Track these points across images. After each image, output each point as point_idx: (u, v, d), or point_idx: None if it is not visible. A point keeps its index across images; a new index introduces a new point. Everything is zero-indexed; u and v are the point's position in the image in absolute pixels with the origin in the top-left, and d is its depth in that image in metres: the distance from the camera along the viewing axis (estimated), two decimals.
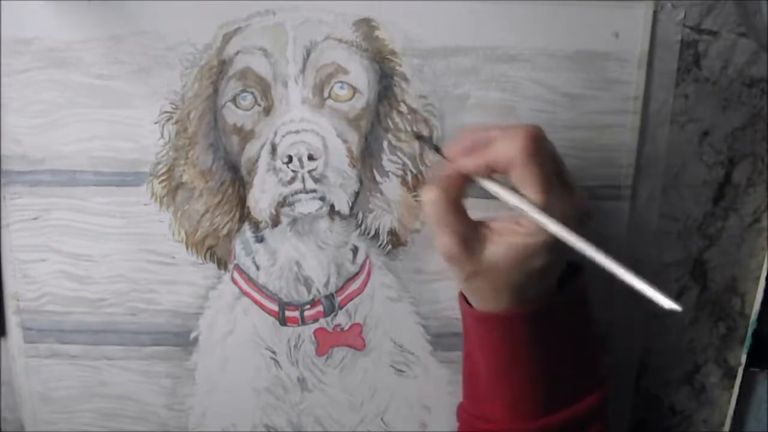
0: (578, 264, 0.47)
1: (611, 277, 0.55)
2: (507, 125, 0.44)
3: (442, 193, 0.43)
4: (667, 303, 0.37)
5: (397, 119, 0.51)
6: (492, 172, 0.43)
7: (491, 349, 0.46)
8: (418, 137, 0.51)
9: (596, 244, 0.40)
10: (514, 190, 0.42)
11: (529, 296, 0.44)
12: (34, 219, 0.54)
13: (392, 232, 0.54)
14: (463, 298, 0.48)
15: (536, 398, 0.46)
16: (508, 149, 0.41)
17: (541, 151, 0.41)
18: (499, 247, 0.43)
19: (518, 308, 0.44)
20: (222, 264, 0.54)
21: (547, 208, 0.41)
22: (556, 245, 0.41)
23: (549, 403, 0.46)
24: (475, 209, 0.45)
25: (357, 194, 0.52)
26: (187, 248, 0.54)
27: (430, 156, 0.52)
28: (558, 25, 0.49)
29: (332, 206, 0.52)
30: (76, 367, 0.57)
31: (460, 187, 0.44)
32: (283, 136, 0.50)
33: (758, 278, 0.56)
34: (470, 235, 0.43)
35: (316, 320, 0.55)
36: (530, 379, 0.46)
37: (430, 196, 0.43)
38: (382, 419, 0.58)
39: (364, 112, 0.51)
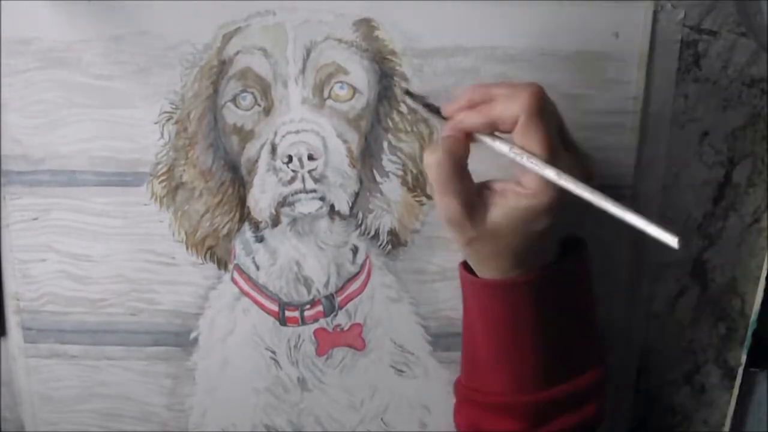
0: (579, 238, 0.47)
1: (612, 278, 0.55)
2: (507, 83, 0.43)
3: (446, 154, 0.41)
4: (671, 240, 0.37)
5: (397, 119, 0.51)
6: (494, 130, 0.42)
7: (493, 318, 0.45)
8: (408, 94, 0.49)
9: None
10: (507, 143, 0.42)
11: (530, 262, 0.44)
12: (34, 219, 0.54)
13: (392, 232, 0.54)
14: (464, 266, 0.47)
15: (537, 371, 0.46)
16: (512, 107, 0.40)
17: (545, 110, 0.41)
18: (501, 210, 0.42)
19: (521, 275, 0.44)
20: (222, 264, 0.54)
21: (553, 165, 0.40)
22: (557, 207, 0.41)
23: (549, 377, 0.46)
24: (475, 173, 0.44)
25: (357, 194, 0.52)
26: (187, 248, 0.54)
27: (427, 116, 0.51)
28: (558, 25, 0.49)
29: (332, 206, 0.52)
30: (76, 367, 0.57)
31: (464, 147, 0.43)
32: (283, 136, 0.50)
33: (758, 278, 0.56)
34: (473, 199, 0.42)
35: (316, 320, 0.55)
36: (531, 351, 0.45)
37: (433, 158, 0.42)
38: (382, 419, 0.58)
39: (364, 112, 0.51)
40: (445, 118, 0.45)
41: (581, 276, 0.47)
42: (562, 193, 0.40)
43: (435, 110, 0.46)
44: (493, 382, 0.47)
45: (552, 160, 0.40)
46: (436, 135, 0.52)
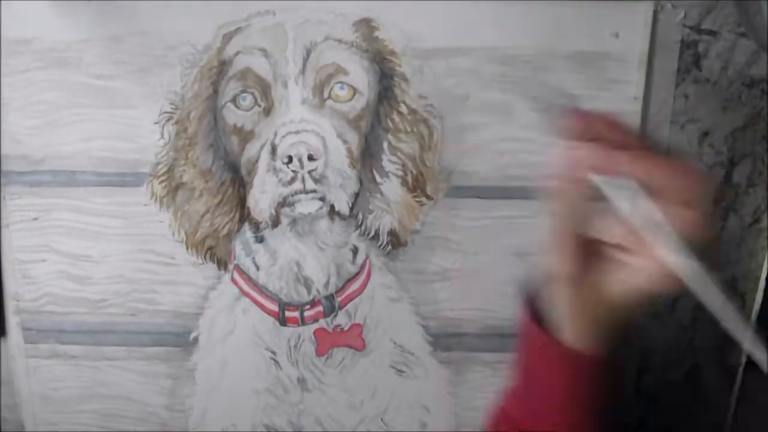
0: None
1: None
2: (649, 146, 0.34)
3: (568, 204, 0.33)
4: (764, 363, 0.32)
5: (397, 119, 0.51)
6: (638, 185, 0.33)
7: (574, 390, 0.38)
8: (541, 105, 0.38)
9: None
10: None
11: (609, 335, 0.37)
12: (34, 219, 0.54)
13: (392, 233, 0.54)
14: (536, 323, 0.38)
15: None
16: (685, 184, 0.32)
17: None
18: (611, 283, 0.35)
19: (599, 348, 0.37)
20: (222, 264, 0.54)
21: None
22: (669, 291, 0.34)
23: None
24: None
25: (357, 195, 0.52)
26: (187, 248, 0.54)
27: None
28: (558, 25, 0.49)
29: (332, 206, 0.52)
30: (76, 367, 0.57)
31: (587, 193, 0.34)
32: (283, 137, 0.50)
33: (758, 278, 0.56)
34: (590, 262, 0.35)
35: (316, 320, 0.55)
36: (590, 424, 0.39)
37: (556, 208, 0.33)
38: (382, 419, 0.58)
39: (364, 112, 0.51)
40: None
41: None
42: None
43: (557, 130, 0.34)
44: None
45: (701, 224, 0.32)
46: (436, 135, 0.51)
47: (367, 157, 0.52)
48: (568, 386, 0.38)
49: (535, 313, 0.38)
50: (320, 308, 0.55)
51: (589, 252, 0.35)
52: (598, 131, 0.33)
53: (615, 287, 0.35)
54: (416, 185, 0.52)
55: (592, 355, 0.37)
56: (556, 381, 0.38)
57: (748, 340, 0.33)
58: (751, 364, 0.57)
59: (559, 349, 0.37)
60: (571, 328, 0.37)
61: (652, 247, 0.32)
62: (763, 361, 0.32)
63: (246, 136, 0.51)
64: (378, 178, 0.52)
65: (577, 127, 0.33)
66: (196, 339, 0.56)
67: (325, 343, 0.56)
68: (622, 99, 0.51)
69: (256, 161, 0.51)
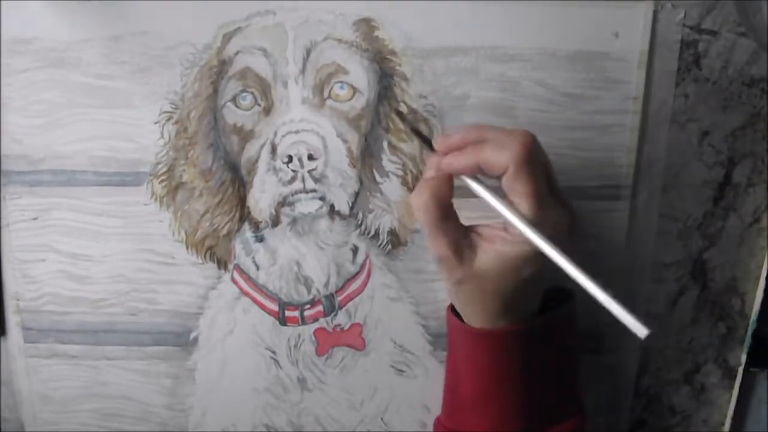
0: (567, 289, 0.47)
1: (612, 278, 0.55)
2: (501, 128, 0.43)
3: (433, 195, 0.42)
4: (640, 330, 0.37)
5: (397, 119, 0.51)
6: (481, 173, 0.42)
7: (477, 364, 0.46)
8: (399, 114, 0.50)
9: (591, 251, 0.39)
10: (501, 195, 0.42)
11: (516, 310, 0.44)
12: (34, 219, 0.54)
13: (392, 232, 0.54)
14: (452, 311, 0.48)
15: (517, 417, 0.46)
16: (501, 155, 0.40)
17: (535, 161, 0.41)
18: (488, 254, 0.42)
19: (507, 325, 0.44)
20: (222, 264, 0.54)
21: (536, 220, 0.40)
22: (543, 256, 0.40)
23: (529, 424, 0.46)
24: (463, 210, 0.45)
25: (357, 194, 0.52)
26: (187, 248, 0.54)
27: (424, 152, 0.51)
28: (558, 25, 0.49)
29: (332, 206, 0.52)
30: (76, 367, 0.57)
31: (450, 187, 0.43)
32: (283, 136, 0.50)
33: (758, 278, 0.56)
34: (461, 240, 0.43)
35: (316, 320, 0.55)
36: (513, 398, 0.46)
37: (421, 199, 0.42)
38: (382, 419, 0.58)
39: (364, 112, 0.51)
40: (433, 150, 0.45)
41: (566, 329, 0.48)
42: (553, 240, 0.40)
43: (426, 141, 0.47)
44: (473, 424, 0.47)
45: (537, 211, 0.40)
46: (437, 135, 0.52)
47: (367, 156, 0.52)
48: (469, 359, 0.46)
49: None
50: (320, 308, 0.55)
51: (461, 234, 0.43)
52: (465, 140, 0.43)
53: (489, 261, 0.42)
54: (416, 185, 0.52)
55: (494, 330, 0.44)
56: (462, 355, 0.47)
57: (616, 310, 0.37)
58: (752, 364, 0.57)
59: (464, 327, 0.46)
60: (460, 303, 0.45)
61: (506, 225, 0.41)
62: (640, 330, 0.37)
63: (246, 135, 0.51)
64: (378, 178, 0.52)
65: (442, 144, 0.44)
66: (196, 339, 0.56)
67: (325, 343, 0.56)
68: (622, 99, 0.51)
69: (256, 161, 0.51)
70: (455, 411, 0.49)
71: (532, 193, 0.40)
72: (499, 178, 0.41)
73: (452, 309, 0.48)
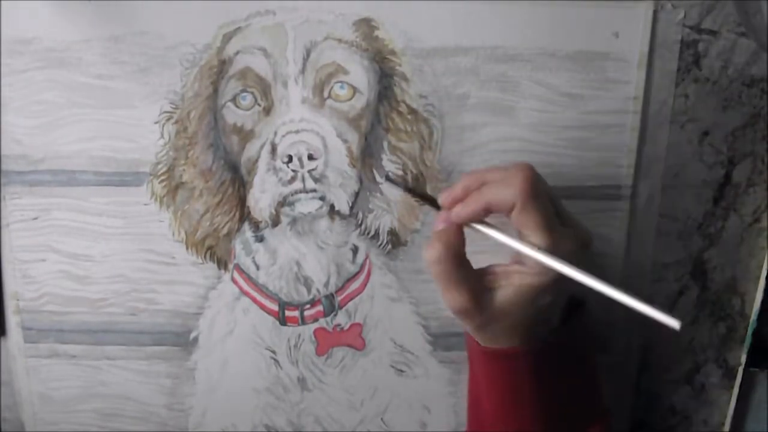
0: (579, 298, 0.47)
1: (612, 277, 0.55)
2: (499, 168, 0.44)
3: (445, 249, 0.42)
4: (671, 321, 0.37)
5: (397, 119, 0.51)
6: (488, 214, 0.43)
7: (496, 383, 0.46)
8: (389, 179, 0.51)
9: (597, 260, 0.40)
10: (510, 230, 0.42)
11: (537, 333, 0.44)
12: (34, 219, 0.54)
13: (392, 232, 0.54)
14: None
15: (542, 428, 0.46)
16: (506, 193, 0.41)
17: (539, 193, 0.41)
18: (507, 291, 0.42)
19: (524, 345, 0.44)
20: (222, 264, 0.54)
21: (551, 247, 0.41)
22: (561, 281, 0.41)
23: None
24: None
25: (357, 194, 0.52)
26: (187, 248, 0.54)
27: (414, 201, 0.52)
28: (558, 25, 0.49)
29: (332, 206, 0.52)
30: (76, 367, 0.57)
31: (460, 237, 0.43)
32: (283, 136, 0.50)
33: (758, 278, 0.56)
34: (478, 286, 0.42)
35: (316, 320, 0.55)
36: (536, 410, 0.46)
37: (433, 254, 0.42)
38: (382, 419, 0.58)
39: (364, 112, 0.51)
40: (438, 208, 0.45)
41: (583, 337, 0.48)
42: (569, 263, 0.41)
43: (431, 201, 0.46)
44: None
45: (550, 238, 0.41)
46: (437, 135, 0.52)
47: (367, 156, 0.52)
48: (489, 379, 0.46)
49: None
50: (320, 308, 0.55)
51: (477, 280, 0.43)
52: (467, 188, 0.43)
53: (509, 298, 0.42)
54: (416, 185, 0.52)
55: (509, 351, 0.44)
56: (480, 374, 0.47)
57: (644, 309, 0.38)
58: (752, 364, 0.57)
59: (479, 347, 0.45)
60: (483, 340, 0.45)
61: (529, 258, 0.41)
62: (675, 324, 0.37)
63: (246, 135, 0.51)
64: (378, 178, 0.52)
65: (446, 199, 0.44)
66: (196, 339, 0.56)
67: (325, 343, 0.56)
68: (622, 99, 0.51)
69: (256, 161, 0.51)
70: (479, 425, 0.49)
71: (542, 223, 0.41)
72: (507, 214, 0.42)
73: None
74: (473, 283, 0.42)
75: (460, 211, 0.43)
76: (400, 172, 0.52)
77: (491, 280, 0.43)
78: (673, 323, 0.37)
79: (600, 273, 0.40)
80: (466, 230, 0.44)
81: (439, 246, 0.42)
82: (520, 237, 0.42)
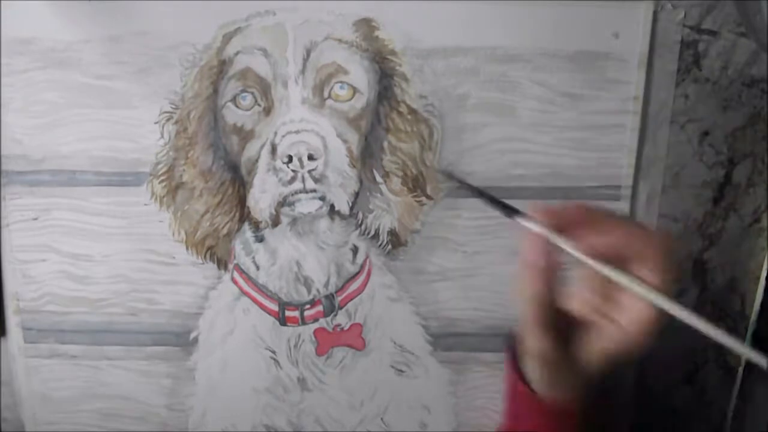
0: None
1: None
2: (637, 225, 0.39)
3: (542, 286, 0.36)
4: (761, 360, 0.35)
5: (397, 119, 0.51)
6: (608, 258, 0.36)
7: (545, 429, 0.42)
8: (486, 196, 0.43)
9: None
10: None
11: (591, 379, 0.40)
12: (34, 219, 0.54)
13: (392, 232, 0.54)
14: (517, 374, 0.42)
15: None
16: (646, 250, 0.35)
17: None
18: (590, 349, 0.38)
19: (574, 396, 0.40)
20: (222, 264, 0.54)
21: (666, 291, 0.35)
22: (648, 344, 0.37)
23: None
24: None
25: (357, 194, 0.52)
26: (187, 248, 0.54)
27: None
28: (558, 25, 0.49)
29: (332, 206, 0.52)
30: (76, 367, 0.57)
31: (558, 274, 0.36)
32: (283, 136, 0.50)
33: (758, 278, 0.56)
34: (566, 337, 0.38)
35: (316, 320, 0.55)
36: None
37: (529, 290, 0.36)
38: (382, 419, 0.58)
39: (364, 112, 0.51)
40: (509, 216, 0.38)
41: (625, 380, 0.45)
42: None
43: (509, 209, 0.39)
44: None
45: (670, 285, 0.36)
46: (437, 135, 0.52)
47: (367, 156, 0.52)
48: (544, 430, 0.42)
49: (518, 361, 0.42)
50: (320, 308, 0.55)
51: (561, 324, 0.37)
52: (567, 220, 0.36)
53: (586, 352, 0.38)
54: (416, 185, 0.53)
55: (565, 406, 0.40)
56: (534, 425, 0.42)
57: (743, 349, 0.36)
58: (752, 364, 0.57)
59: (536, 399, 0.41)
60: (546, 386, 0.40)
61: (619, 313, 0.36)
62: (763, 362, 0.34)
63: (246, 135, 0.51)
64: (378, 178, 0.52)
65: (548, 220, 0.36)
66: (196, 339, 0.56)
67: (325, 343, 0.56)
68: (622, 99, 0.51)
69: (256, 161, 0.51)
70: None
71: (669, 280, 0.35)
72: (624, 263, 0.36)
73: (517, 371, 0.42)
74: (563, 331, 0.37)
75: (595, 242, 0.35)
76: (401, 173, 0.52)
77: (577, 329, 0.38)
78: (762, 361, 0.35)
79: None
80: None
81: (537, 281, 0.36)
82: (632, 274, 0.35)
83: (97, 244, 0.54)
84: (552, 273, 0.36)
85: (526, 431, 0.43)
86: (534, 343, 0.38)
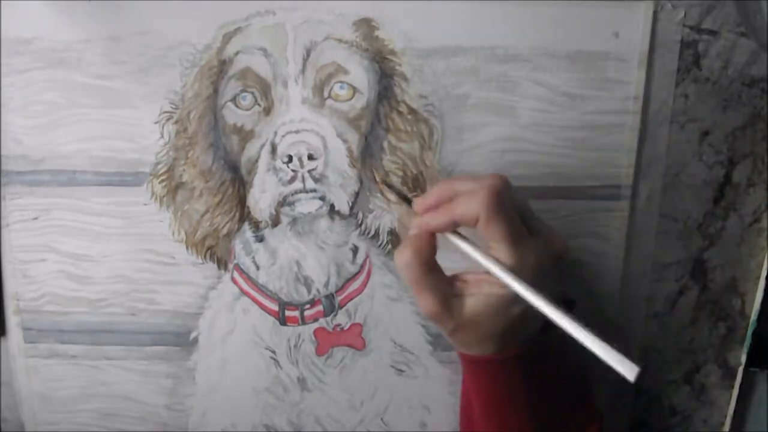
0: (569, 299, 0.47)
1: (612, 278, 0.55)
2: (470, 178, 0.44)
3: (415, 253, 0.42)
4: (629, 371, 0.38)
5: (397, 119, 0.51)
6: (458, 226, 0.43)
7: (482, 389, 0.46)
8: (388, 186, 0.51)
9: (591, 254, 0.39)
10: (476, 244, 0.42)
11: (515, 339, 0.44)
12: (34, 219, 0.54)
13: (392, 232, 0.54)
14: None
15: None
16: (471, 206, 0.41)
17: (505, 205, 0.41)
18: (476, 299, 0.43)
19: (500, 353, 0.44)
20: (222, 264, 0.54)
21: (516, 262, 0.41)
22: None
23: None
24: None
25: (357, 194, 0.52)
26: (187, 248, 0.54)
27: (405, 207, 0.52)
28: (558, 25, 0.49)
29: (332, 206, 0.52)
30: (76, 367, 0.57)
31: (431, 244, 0.43)
32: (283, 136, 0.50)
33: (758, 278, 0.56)
34: (448, 292, 0.43)
35: (316, 320, 0.55)
36: (523, 420, 0.46)
37: (403, 258, 0.43)
38: (382, 419, 0.58)
39: (364, 112, 0.51)
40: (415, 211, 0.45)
41: (568, 343, 0.47)
42: (537, 276, 0.41)
43: (408, 201, 0.47)
44: None
45: (515, 253, 0.41)
46: (436, 135, 0.52)
47: (367, 156, 0.52)
48: (474, 385, 0.47)
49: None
50: (320, 308, 0.55)
51: (447, 286, 0.43)
52: (440, 197, 0.44)
53: (478, 306, 0.43)
54: (416, 185, 0.53)
55: (487, 358, 0.44)
56: (467, 380, 0.48)
57: (601, 352, 0.39)
58: (752, 364, 0.57)
59: (462, 354, 0.46)
60: (460, 346, 0.46)
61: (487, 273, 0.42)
62: (630, 371, 0.38)
63: (246, 135, 0.51)
64: (378, 178, 0.52)
65: (420, 205, 0.45)
66: (196, 339, 0.56)
67: (325, 343, 0.56)
68: (622, 99, 0.51)
69: (256, 161, 0.51)
70: (470, 427, 0.49)
71: (506, 237, 0.41)
72: (474, 227, 0.42)
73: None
74: (443, 289, 0.43)
75: (429, 220, 0.43)
76: (401, 173, 0.52)
77: (462, 288, 0.43)
78: (630, 372, 0.38)
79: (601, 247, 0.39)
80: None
81: (409, 252, 0.42)
82: (487, 251, 0.42)
83: (97, 244, 0.54)
84: (429, 242, 0.43)
85: (465, 391, 0.49)
86: (424, 304, 0.43)
